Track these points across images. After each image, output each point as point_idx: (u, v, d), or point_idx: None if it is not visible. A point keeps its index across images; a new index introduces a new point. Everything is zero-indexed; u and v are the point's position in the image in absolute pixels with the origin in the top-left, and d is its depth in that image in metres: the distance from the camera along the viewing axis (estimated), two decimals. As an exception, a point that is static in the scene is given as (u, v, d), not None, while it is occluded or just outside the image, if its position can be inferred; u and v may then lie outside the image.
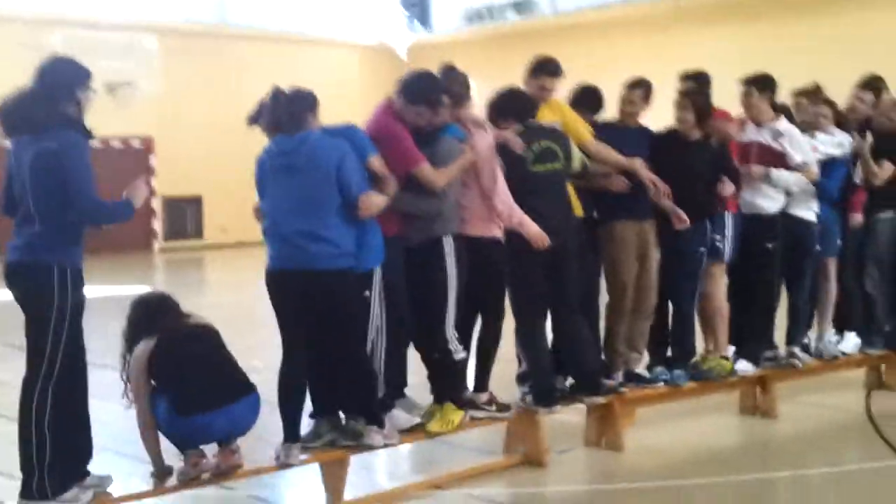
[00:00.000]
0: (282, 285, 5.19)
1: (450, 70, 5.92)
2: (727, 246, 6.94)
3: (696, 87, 7.01)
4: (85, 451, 4.87)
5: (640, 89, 6.68)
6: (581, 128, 6.36)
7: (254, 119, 5.41)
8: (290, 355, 5.26)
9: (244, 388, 4.98)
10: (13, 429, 4.72)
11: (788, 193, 7.04)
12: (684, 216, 6.44)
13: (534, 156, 5.93)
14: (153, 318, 5.09)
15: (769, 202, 7.00)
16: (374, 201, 5.23)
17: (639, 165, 6.36)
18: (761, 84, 7.05)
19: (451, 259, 5.62)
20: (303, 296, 5.16)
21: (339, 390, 5.44)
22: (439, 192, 5.55)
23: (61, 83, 4.65)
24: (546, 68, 6.30)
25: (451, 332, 5.65)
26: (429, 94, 5.56)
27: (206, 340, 5.05)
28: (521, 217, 5.81)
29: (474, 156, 5.64)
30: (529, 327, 6.07)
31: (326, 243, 5.13)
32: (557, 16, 21.12)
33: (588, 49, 20.54)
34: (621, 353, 6.66)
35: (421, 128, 5.57)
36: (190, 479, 4.91)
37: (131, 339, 5.06)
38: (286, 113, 5.21)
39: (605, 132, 6.53)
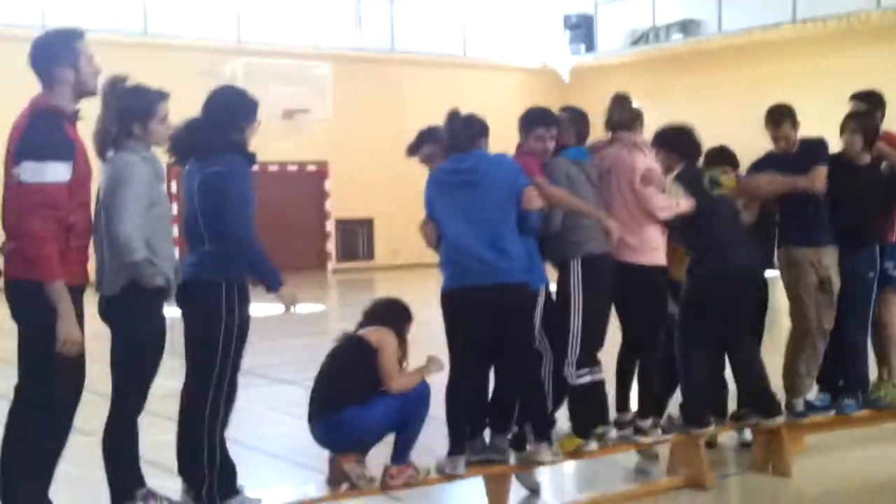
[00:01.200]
0: (463, 302, 5.31)
1: (622, 99, 6.10)
2: None
3: (866, 108, 6.89)
4: (234, 466, 5.10)
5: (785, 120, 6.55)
6: None
7: (413, 149, 5.69)
8: (464, 372, 5.41)
9: (337, 404, 5.12)
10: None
11: None
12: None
13: (708, 183, 6.09)
14: (368, 317, 5.49)
15: None
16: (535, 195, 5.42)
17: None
18: None
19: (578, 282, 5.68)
20: (485, 310, 5.29)
21: (508, 406, 5.57)
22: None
23: (227, 112, 4.91)
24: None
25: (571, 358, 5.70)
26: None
27: (343, 354, 5.30)
28: (677, 204, 5.96)
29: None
30: (694, 352, 6.12)
31: (509, 256, 5.31)
32: (723, 36, 20.83)
33: (754, 70, 20.23)
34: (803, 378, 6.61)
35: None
36: (351, 487, 5.13)
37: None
38: (464, 133, 5.44)
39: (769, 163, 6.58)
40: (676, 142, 6.24)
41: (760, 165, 6.65)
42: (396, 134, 21.47)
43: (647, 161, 5.97)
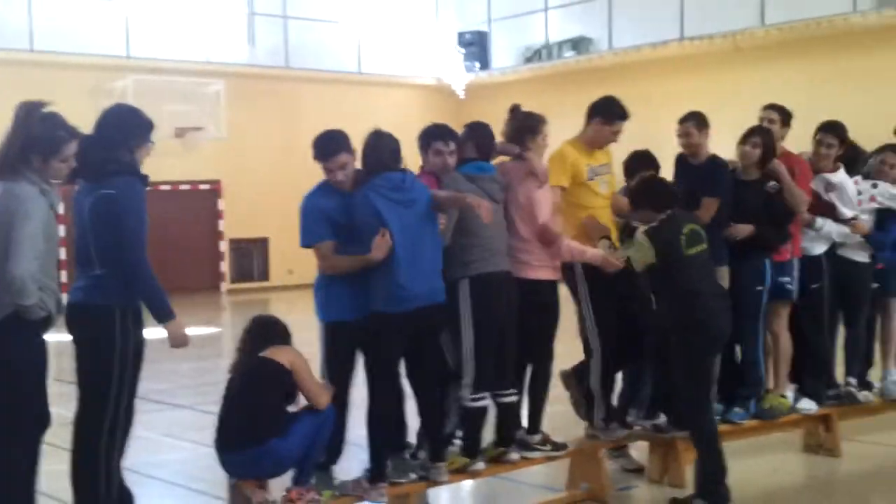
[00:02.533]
0: (408, 323, 5.25)
1: (511, 111, 6.14)
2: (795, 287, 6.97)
3: (778, 118, 7.07)
4: (131, 494, 4.98)
5: (691, 121, 6.71)
6: None
7: (333, 153, 5.36)
8: (388, 391, 5.39)
9: (249, 439, 4.98)
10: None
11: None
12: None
13: (686, 239, 5.82)
14: (252, 338, 5.27)
15: (813, 244, 7.04)
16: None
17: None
18: (836, 133, 7.07)
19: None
20: (418, 329, 5.31)
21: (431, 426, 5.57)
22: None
23: (119, 132, 4.81)
24: (616, 112, 6.33)
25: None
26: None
27: (254, 382, 5.10)
28: (575, 248, 5.94)
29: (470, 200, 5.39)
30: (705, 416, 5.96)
31: (440, 276, 5.43)
32: (614, 53, 21.22)
33: (645, 86, 20.64)
34: None
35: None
36: None
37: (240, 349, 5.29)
38: (391, 151, 5.36)
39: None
40: (644, 197, 6.04)
41: (677, 173, 6.74)
42: (291, 151, 21.44)
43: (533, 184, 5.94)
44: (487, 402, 5.67)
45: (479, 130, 5.91)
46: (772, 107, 7.18)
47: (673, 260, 5.77)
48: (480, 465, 5.66)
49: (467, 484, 6.43)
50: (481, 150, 5.84)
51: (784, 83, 18.26)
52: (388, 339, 5.28)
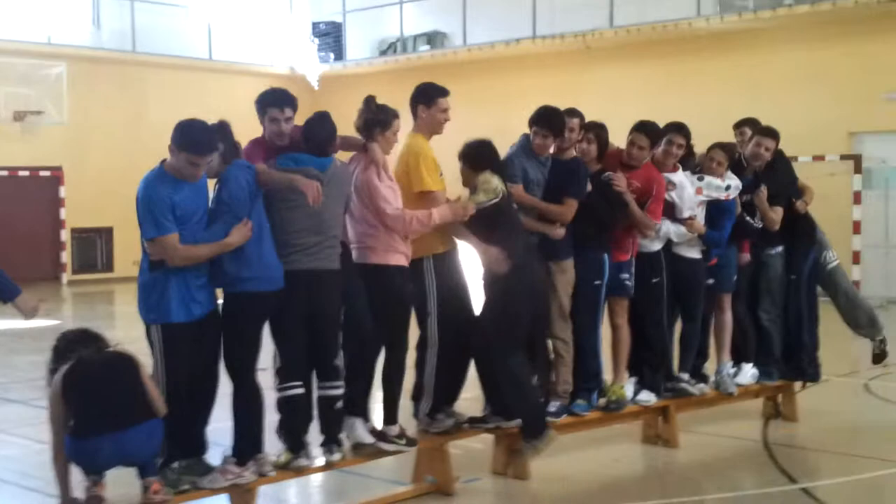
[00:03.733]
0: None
1: (365, 102, 6.07)
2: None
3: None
4: None
5: (576, 118, 6.85)
6: None
7: (212, 146, 5.29)
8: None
9: (139, 416, 4.92)
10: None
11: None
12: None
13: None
14: (74, 347, 5.07)
15: (650, 242, 7.22)
16: None
17: None
18: (683, 133, 7.27)
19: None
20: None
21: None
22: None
23: None
24: (432, 92, 6.30)
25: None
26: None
27: (116, 367, 5.02)
28: (420, 215, 5.91)
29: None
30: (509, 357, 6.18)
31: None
32: (469, 49, 21.40)
33: (499, 82, 20.89)
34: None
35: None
36: None
37: (53, 367, 5.03)
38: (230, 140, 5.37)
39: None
40: (476, 157, 6.29)
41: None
42: (137, 139, 20.87)
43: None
44: (296, 392, 5.58)
45: (310, 122, 5.77)
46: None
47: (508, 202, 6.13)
48: (303, 462, 5.60)
49: (316, 477, 6.37)
50: (309, 142, 5.70)
51: (632, 83, 18.80)
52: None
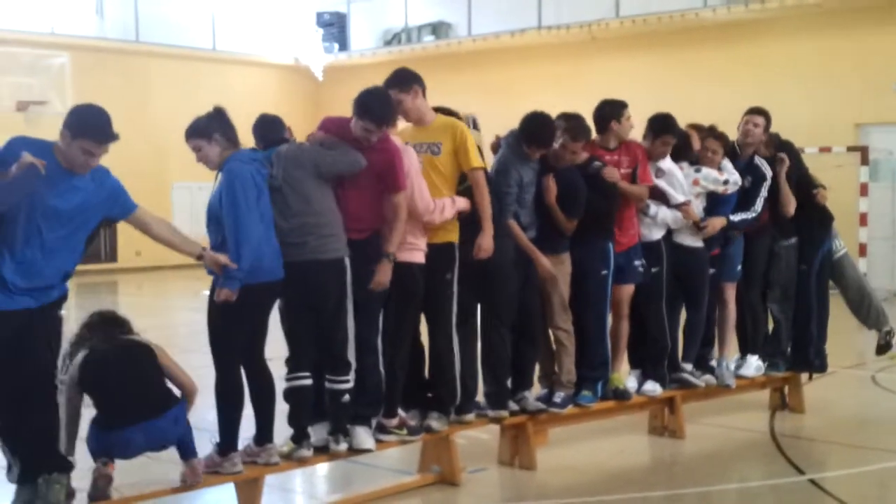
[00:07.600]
0: None
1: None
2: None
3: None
4: None
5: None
6: None
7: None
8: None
9: (164, 404, 5.00)
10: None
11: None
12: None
13: None
14: (96, 330, 5.17)
15: (649, 230, 7.18)
16: None
17: None
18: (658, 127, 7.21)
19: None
20: None
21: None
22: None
23: None
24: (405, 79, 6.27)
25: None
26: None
27: (134, 357, 5.07)
28: (443, 203, 5.94)
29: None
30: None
31: None
32: (473, 40, 21.33)
33: (504, 73, 20.83)
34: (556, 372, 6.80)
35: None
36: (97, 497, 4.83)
37: (74, 347, 5.11)
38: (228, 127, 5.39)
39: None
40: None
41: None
42: (141, 128, 20.79)
43: None
44: (302, 383, 5.56)
45: (260, 122, 5.88)
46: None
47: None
48: (304, 453, 5.55)
49: (322, 467, 6.36)
50: (265, 141, 5.77)
51: (638, 74, 18.72)
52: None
